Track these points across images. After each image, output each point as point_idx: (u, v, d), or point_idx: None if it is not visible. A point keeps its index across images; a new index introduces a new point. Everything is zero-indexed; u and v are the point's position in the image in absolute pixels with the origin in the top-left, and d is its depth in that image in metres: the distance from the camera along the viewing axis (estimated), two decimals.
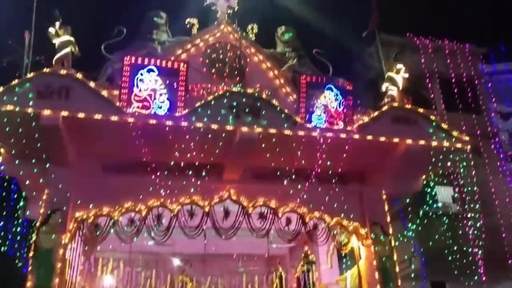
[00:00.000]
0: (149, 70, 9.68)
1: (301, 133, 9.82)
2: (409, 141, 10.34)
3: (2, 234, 12.05)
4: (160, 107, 9.52)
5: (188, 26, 13.48)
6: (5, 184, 11.67)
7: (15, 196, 11.51)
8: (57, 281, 8.86)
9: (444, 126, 10.96)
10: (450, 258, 14.38)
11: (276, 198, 10.53)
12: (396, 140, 10.35)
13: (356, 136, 10.16)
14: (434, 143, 10.53)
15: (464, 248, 14.78)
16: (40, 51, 10.25)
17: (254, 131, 9.52)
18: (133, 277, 14.02)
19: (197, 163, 10.17)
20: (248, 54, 13.12)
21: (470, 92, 18.52)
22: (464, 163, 14.11)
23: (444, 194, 16.37)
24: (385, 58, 12.83)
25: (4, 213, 12.30)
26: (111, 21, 12.96)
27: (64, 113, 8.77)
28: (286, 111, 9.97)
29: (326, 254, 13.28)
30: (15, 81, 8.95)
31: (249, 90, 9.99)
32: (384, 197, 11.33)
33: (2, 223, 12.13)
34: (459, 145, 10.73)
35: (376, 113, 10.70)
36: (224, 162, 10.31)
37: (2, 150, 9.59)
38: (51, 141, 9.12)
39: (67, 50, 9.77)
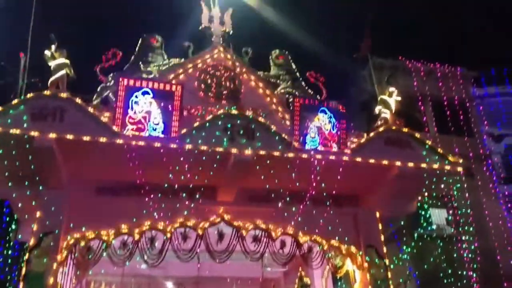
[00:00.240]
0: (144, 93, 9.72)
1: (295, 155, 9.84)
2: (402, 164, 10.39)
3: None
4: (155, 129, 9.53)
5: (183, 48, 13.61)
6: None
7: (7, 218, 11.39)
8: None
9: (438, 149, 11.04)
10: (445, 281, 14.31)
11: (270, 221, 10.49)
12: (389, 162, 10.38)
13: (350, 158, 10.20)
14: (427, 166, 10.58)
15: (459, 272, 14.73)
16: (35, 73, 10.29)
17: (248, 153, 9.54)
18: None
19: (191, 185, 10.14)
20: (242, 77, 13.24)
21: (462, 115, 18.75)
22: (458, 185, 14.16)
23: (438, 216, 16.41)
24: (377, 81, 13.05)
25: None
26: (106, 44, 13.09)
27: (58, 135, 8.74)
28: (280, 133, 10.01)
29: (321, 278, 13.16)
30: (9, 103, 8.93)
31: (244, 112, 10.05)
32: (378, 219, 11.32)
33: None
34: (452, 168, 10.79)
35: (370, 135, 10.77)
36: (218, 184, 10.29)
37: None
38: (44, 163, 9.06)
39: (62, 72, 9.79)
